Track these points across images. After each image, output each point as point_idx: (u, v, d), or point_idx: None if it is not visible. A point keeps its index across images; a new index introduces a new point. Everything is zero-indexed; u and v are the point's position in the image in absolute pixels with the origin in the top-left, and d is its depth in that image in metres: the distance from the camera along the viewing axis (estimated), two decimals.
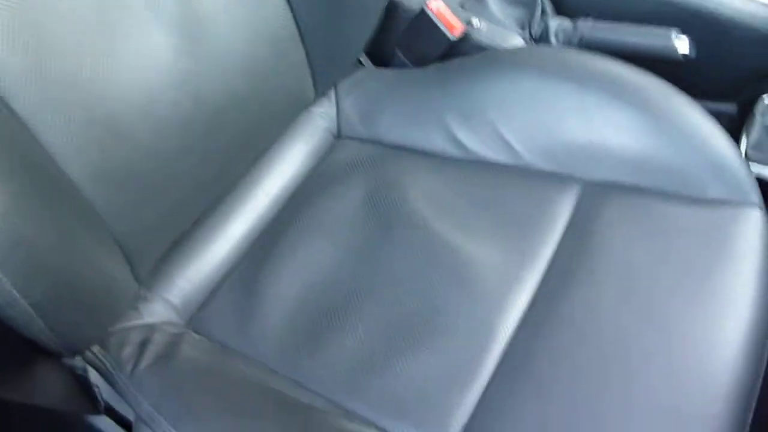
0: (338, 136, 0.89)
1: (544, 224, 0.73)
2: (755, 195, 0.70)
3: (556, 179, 0.76)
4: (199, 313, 0.73)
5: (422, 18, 0.84)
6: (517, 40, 0.85)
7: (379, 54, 0.93)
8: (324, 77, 0.85)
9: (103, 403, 0.65)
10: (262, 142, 0.81)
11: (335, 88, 0.89)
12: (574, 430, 0.57)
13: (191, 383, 0.63)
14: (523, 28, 0.86)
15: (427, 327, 0.66)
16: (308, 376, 0.65)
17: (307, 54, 0.80)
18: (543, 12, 0.88)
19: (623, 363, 0.60)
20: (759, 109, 0.82)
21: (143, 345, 0.66)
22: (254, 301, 0.72)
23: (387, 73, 0.90)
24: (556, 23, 0.85)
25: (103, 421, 0.64)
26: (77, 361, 0.64)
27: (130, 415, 0.65)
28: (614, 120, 0.74)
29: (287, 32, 0.76)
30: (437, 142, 0.83)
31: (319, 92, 0.86)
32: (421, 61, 0.89)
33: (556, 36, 0.84)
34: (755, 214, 0.68)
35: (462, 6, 0.88)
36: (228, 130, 0.71)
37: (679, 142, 0.72)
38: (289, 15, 0.76)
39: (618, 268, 0.67)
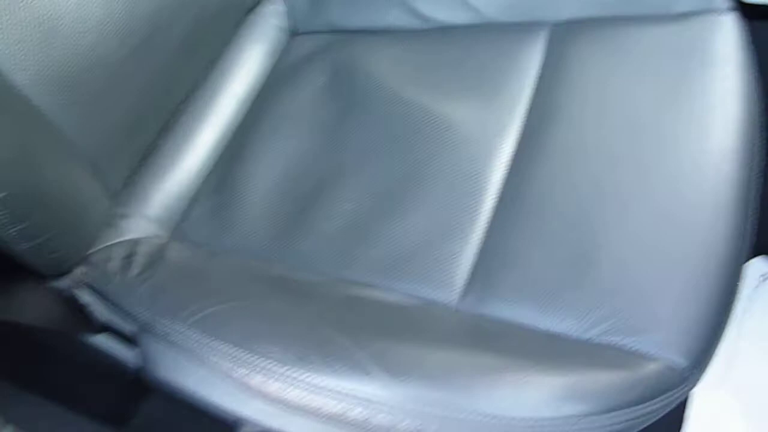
0: (293, 32, 0.85)
1: (517, 73, 0.71)
2: (723, 0, 0.68)
3: (521, 28, 0.74)
4: (182, 224, 0.71)
5: None
6: None
7: None
8: None
9: (99, 321, 0.62)
10: (213, 44, 0.78)
11: None
12: (577, 247, 0.55)
13: (186, 282, 0.61)
14: None
15: (415, 189, 0.65)
16: (303, 259, 0.64)
17: None
18: None
19: (617, 176, 0.59)
20: None
21: (128, 257, 0.64)
22: (234, 201, 0.70)
23: None
24: None
25: (102, 340, 0.62)
26: (63, 283, 0.62)
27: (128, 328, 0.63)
28: None
29: None
30: (394, 17, 0.80)
31: None
32: None
33: None
34: (727, 18, 0.67)
35: None
36: (170, 32, 0.68)
37: None
38: None
39: (597, 99, 0.66)
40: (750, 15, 0.69)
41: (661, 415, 0.51)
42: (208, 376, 0.54)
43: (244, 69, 0.81)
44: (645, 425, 0.51)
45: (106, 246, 0.66)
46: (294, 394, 0.48)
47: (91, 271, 0.63)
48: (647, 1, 0.70)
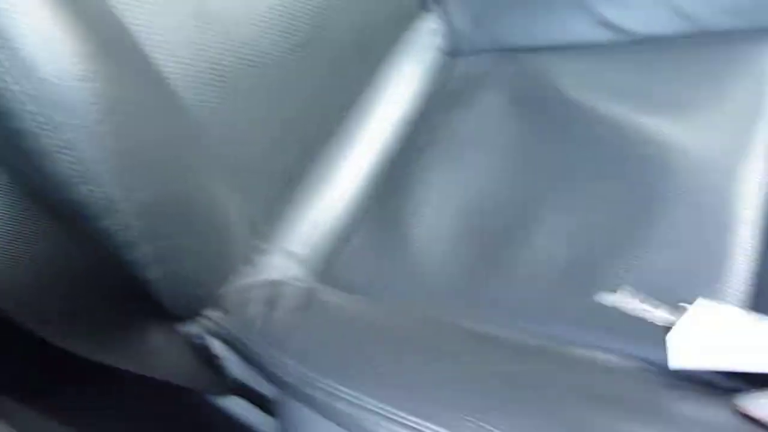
0: (453, 53, 0.74)
1: (748, 84, 0.56)
2: None
3: (753, 34, 0.59)
4: (331, 264, 0.58)
5: None
6: None
7: None
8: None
9: (231, 379, 0.50)
10: (368, 59, 0.67)
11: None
12: None
13: (347, 333, 0.47)
14: None
15: (644, 223, 0.50)
16: (491, 310, 0.49)
17: None
18: None
19: None
20: None
21: (272, 301, 0.51)
22: (398, 242, 0.57)
23: None
24: None
25: (234, 402, 0.49)
26: (193, 328, 0.50)
27: (267, 391, 0.50)
28: None
29: None
30: (580, 30, 0.67)
31: (425, 6, 0.72)
32: None
33: None
34: None
35: None
36: (329, 37, 0.57)
37: None
38: None
39: None
40: None
41: None
42: None
43: (400, 90, 0.69)
44: None
45: (242, 286, 0.54)
46: None
47: (226, 315, 0.51)
48: None
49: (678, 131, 0.54)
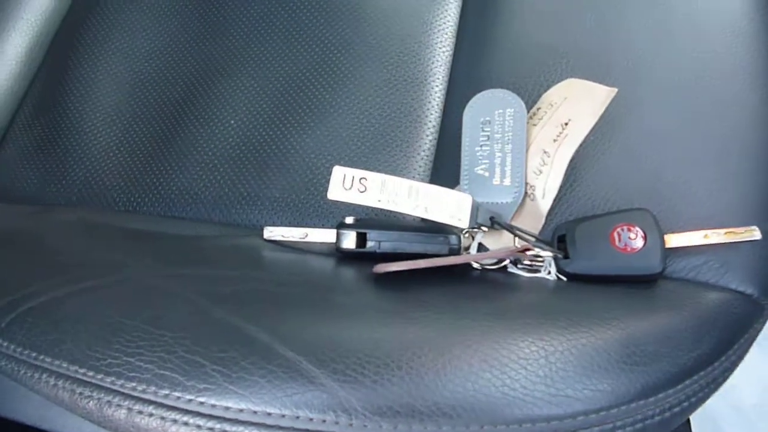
0: None
1: None
2: None
3: None
4: None
5: None
6: None
7: None
8: None
9: None
10: None
11: None
12: None
13: None
14: None
15: (328, 89, 0.45)
16: (171, 202, 0.43)
17: None
18: None
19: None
20: None
21: None
22: (64, 132, 0.48)
23: None
24: None
25: None
26: None
27: None
28: None
29: None
30: None
31: None
32: None
33: None
34: None
35: None
36: None
37: None
38: None
39: None
40: None
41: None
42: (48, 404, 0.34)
43: None
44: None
45: None
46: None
47: None
48: None
49: None
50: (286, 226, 0.40)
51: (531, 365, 0.27)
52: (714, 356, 0.30)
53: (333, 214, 0.41)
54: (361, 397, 0.26)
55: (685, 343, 0.30)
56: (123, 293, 0.33)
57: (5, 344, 0.33)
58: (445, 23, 0.46)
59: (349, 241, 0.36)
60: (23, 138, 0.48)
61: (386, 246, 0.35)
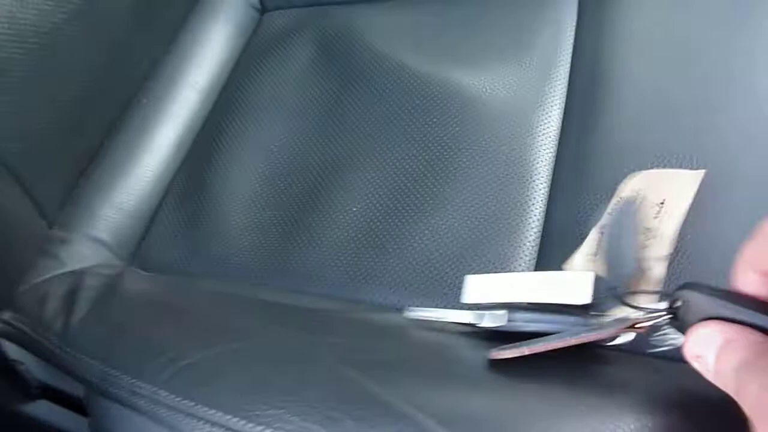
0: (262, 8, 0.71)
1: (549, 28, 0.57)
2: None
3: None
4: (141, 246, 0.55)
5: None
6: None
7: None
8: None
9: (36, 384, 0.46)
10: (169, 17, 0.63)
11: None
12: None
13: (152, 321, 0.45)
14: None
15: (443, 178, 0.50)
16: (305, 280, 0.49)
17: None
18: None
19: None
20: None
21: (72, 294, 0.48)
22: (207, 212, 0.55)
23: None
24: None
25: (42, 407, 0.46)
26: None
27: (77, 390, 0.47)
28: None
29: None
30: None
31: None
32: None
33: None
34: None
35: None
36: (104, 16, 0.52)
37: None
38: None
39: (651, 46, 0.52)
40: None
41: None
42: None
43: (207, 53, 0.65)
44: None
45: (42, 281, 0.50)
46: None
47: (22, 316, 0.47)
48: None
49: (478, 83, 0.55)
50: (401, 303, 0.45)
51: None
52: None
53: (446, 295, 0.45)
54: None
55: None
56: (268, 354, 0.38)
57: (167, 395, 0.38)
58: (548, 126, 0.51)
59: (493, 320, 0.38)
60: (172, 218, 0.56)
61: (528, 326, 0.37)
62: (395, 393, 0.33)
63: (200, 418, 0.36)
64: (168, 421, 0.38)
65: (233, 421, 0.35)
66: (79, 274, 0.50)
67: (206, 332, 0.42)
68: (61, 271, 0.51)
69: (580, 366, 0.36)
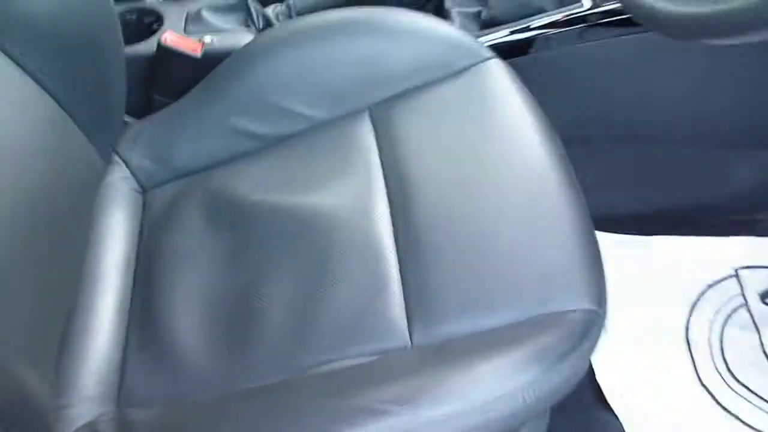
0: (143, 190, 0.91)
1: (361, 152, 0.84)
2: (486, 51, 0.88)
3: (347, 118, 0.88)
4: (122, 390, 0.72)
5: (162, 52, 0.90)
6: (249, 36, 0.95)
7: (140, 108, 0.97)
8: (103, 147, 0.87)
9: None
10: (83, 225, 0.81)
11: (116, 152, 0.91)
12: (476, 258, 0.68)
13: None
14: (248, 26, 0.96)
15: (329, 271, 0.73)
16: (263, 368, 0.68)
17: (83, 131, 0.82)
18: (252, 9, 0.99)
19: (476, 194, 0.74)
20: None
21: None
22: (165, 347, 0.73)
23: (156, 116, 0.94)
24: (271, 10, 0.97)
25: None
26: None
27: None
28: (364, 50, 0.88)
29: (60, 121, 0.78)
30: (236, 145, 0.89)
31: (105, 161, 0.88)
32: (179, 94, 0.94)
33: (277, 18, 0.96)
34: (494, 62, 0.87)
35: (186, 32, 0.96)
36: (40, 227, 0.70)
37: (419, 44, 0.88)
38: (54, 104, 0.77)
39: (432, 148, 0.81)
40: (503, 56, 0.90)
41: (591, 355, 0.65)
42: None
43: (116, 234, 0.84)
44: (584, 371, 0.64)
45: None
46: None
47: None
48: (433, 70, 0.87)
49: (327, 202, 0.79)
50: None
51: None
52: None
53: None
54: None
55: None
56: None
57: None
58: (383, 215, 0.77)
59: None
60: (137, 358, 0.73)
61: None
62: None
63: None
64: None
65: None
66: (89, 427, 0.66)
67: None
68: (72, 429, 0.67)
69: None
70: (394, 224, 0.76)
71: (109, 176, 0.89)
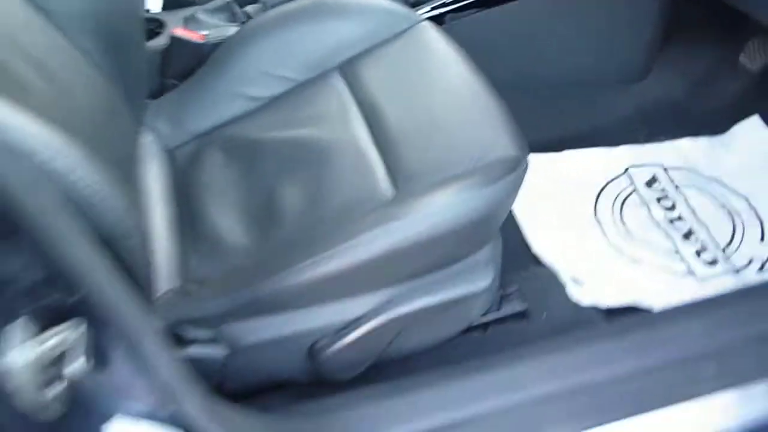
0: (169, 150, 1.16)
1: (338, 97, 1.12)
2: (418, 16, 1.19)
3: (325, 77, 1.16)
4: (189, 269, 0.97)
5: (175, 42, 1.17)
6: (236, 29, 1.23)
7: (153, 91, 1.23)
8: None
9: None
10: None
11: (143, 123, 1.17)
12: (429, 132, 0.98)
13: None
14: (234, 21, 1.25)
15: (333, 170, 1.00)
16: (280, 245, 0.95)
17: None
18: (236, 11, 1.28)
19: (425, 104, 1.03)
20: None
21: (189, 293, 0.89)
22: (211, 238, 0.99)
23: (172, 93, 1.20)
24: (250, 8, 1.26)
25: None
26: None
27: None
28: (328, 26, 1.17)
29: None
30: (238, 106, 1.16)
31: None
32: (186, 76, 1.21)
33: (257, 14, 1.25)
34: (425, 24, 1.18)
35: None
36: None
37: (369, 16, 1.18)
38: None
39: (392, 86, 1.10)
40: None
41: (519, 186, 0.94)
42: None
43: (154, 177, 1.09)
44: (515, 196, 0.94)
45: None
46: None
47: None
48: (382, 33, 1.17)
49: (319, 129, 1.07)
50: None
51: None
52: None
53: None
54: None
55: None
56: None
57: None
58: (362, 133, 1.05)
59: None
60: (197, 248, 0.98)
61: None
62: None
63: None
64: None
65: None
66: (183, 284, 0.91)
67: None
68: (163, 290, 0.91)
69: None
70: (372, 133, 1.04)
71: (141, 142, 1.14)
